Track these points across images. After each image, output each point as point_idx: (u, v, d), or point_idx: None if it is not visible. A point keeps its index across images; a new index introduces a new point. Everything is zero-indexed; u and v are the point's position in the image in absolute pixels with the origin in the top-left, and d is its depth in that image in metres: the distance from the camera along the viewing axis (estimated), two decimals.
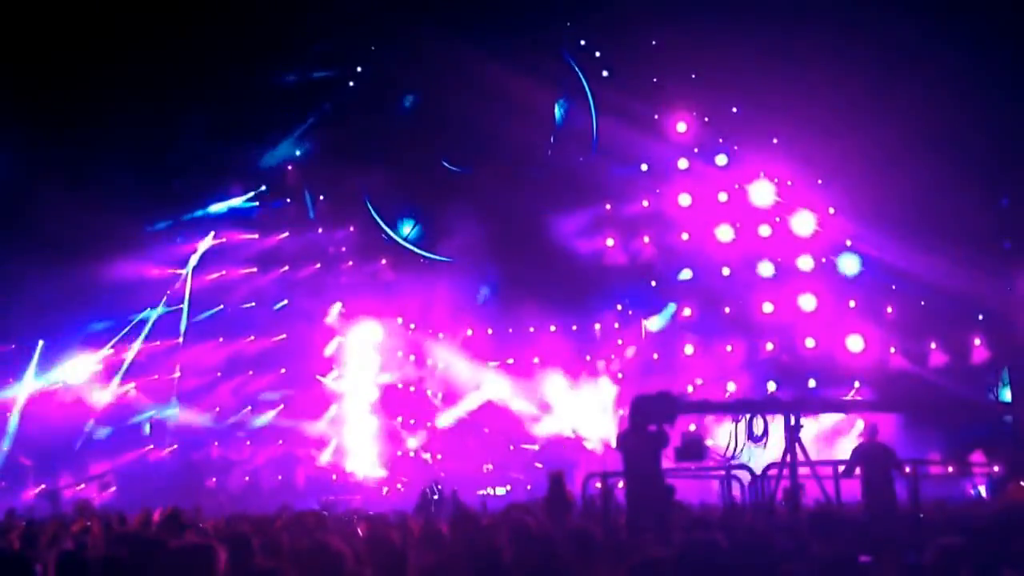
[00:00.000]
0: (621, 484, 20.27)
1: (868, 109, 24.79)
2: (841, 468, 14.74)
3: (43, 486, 27.78)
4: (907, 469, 14.19)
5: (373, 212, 31.37)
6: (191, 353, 30.67)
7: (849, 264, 28.05)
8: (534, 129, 29.33)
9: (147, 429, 30.24)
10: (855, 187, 26.75)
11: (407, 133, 29.80)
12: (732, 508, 14.07)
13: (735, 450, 13.62)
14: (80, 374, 29.02)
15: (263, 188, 31.86)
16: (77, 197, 25.51)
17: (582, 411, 29.11)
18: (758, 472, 14.10)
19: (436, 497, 22.47)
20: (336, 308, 31.60)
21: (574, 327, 31.04)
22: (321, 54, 29.73)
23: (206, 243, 30.84)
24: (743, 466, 14.18)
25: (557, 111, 30.11)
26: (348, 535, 9.27)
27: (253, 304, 31.55)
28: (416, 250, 31.58)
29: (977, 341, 27.06)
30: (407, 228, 31.99)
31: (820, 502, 13.51)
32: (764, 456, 14.37)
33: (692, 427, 22.39)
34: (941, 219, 24.91)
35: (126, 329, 29.83)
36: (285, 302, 31.66)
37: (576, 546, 7.33)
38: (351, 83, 30.77)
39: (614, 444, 14.58)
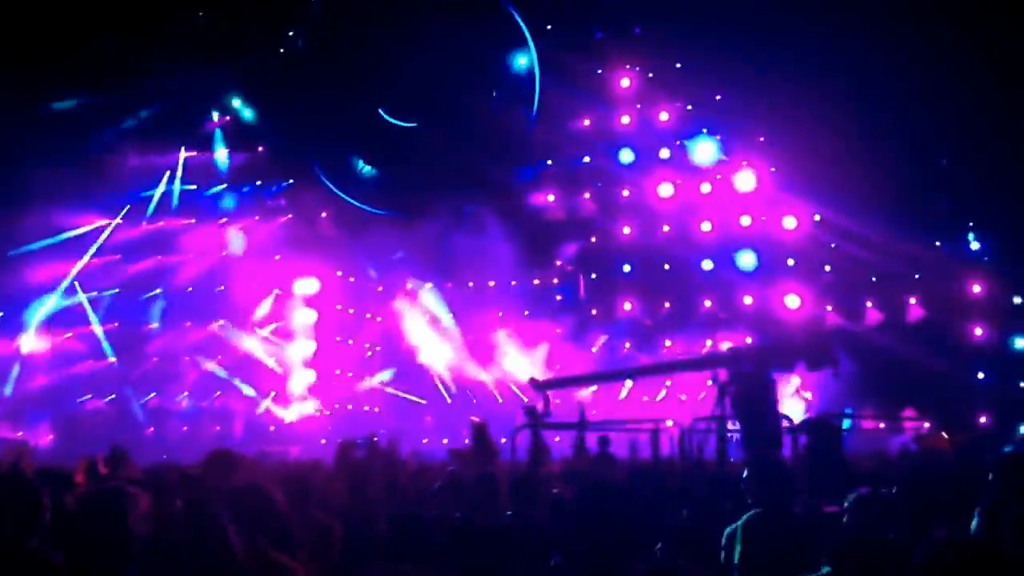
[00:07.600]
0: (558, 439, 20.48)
1: (811, 65, 24.81)
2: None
3: None
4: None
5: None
6: (128, 304, 30.34)
7: (788, 222, 28.18)
8: (476, 81, 28.94)
9: None
10: (796, 145, 26.86)
11: (343, 82, 29.19)
12: (659, 462, 14.47)
13: None
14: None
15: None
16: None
17: (520, 365, 29.14)
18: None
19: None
20: (275, 260, 31.27)
21: (513, 283, 30.91)
22: None
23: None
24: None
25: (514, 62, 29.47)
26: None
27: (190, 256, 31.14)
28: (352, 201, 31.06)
29: (913, 300, 27.45)
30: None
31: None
32: None
33: None
34: (880, 178, 25.11)
35: (69, 278, 29.39)
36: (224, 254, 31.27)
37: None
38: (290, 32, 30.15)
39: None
